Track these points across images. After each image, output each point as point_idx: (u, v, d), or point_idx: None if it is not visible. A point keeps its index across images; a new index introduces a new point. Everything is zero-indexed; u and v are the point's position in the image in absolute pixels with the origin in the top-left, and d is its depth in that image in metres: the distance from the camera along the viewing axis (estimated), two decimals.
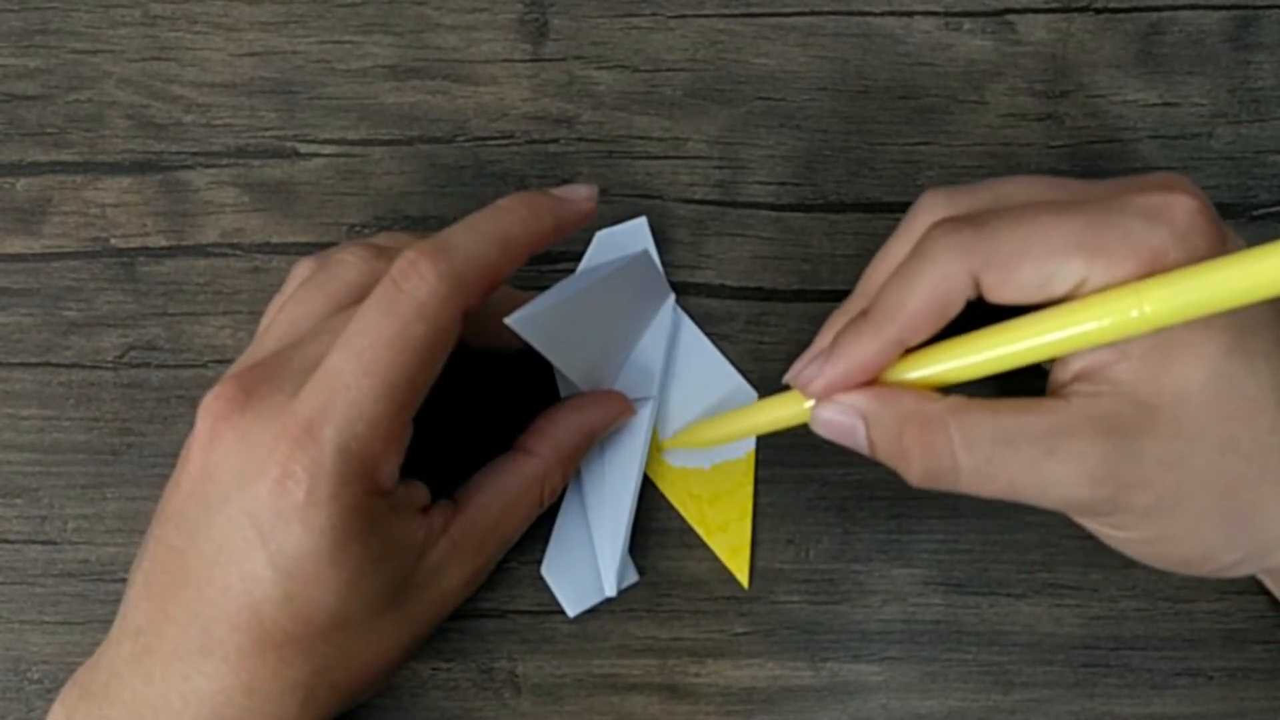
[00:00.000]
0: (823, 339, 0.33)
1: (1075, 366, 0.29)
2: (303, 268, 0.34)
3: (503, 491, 0.34)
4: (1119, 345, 0.28)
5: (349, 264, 0.32)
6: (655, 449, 0.38)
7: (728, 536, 0.38)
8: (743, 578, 0.38)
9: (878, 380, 0.31)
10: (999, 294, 0.29)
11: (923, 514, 0.38)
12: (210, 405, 0.30)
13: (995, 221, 0.29)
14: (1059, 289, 0.28)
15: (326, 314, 0.32)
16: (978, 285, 0.29)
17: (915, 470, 0.30)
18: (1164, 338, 0.28)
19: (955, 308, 0.30)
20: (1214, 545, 0.30)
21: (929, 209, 0.32)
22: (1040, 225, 0.29)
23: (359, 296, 0.32)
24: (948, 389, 0.31)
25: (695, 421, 0.38)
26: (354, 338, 0.30)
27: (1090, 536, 0.37)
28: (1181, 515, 0.29)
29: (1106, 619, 0.38)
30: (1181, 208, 0.28)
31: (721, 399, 0.38)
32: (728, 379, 0.38)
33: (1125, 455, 0.29)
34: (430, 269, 0.30)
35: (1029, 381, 0.32)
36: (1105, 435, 0.28)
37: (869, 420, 0.31)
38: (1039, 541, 0.38)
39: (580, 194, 0.34)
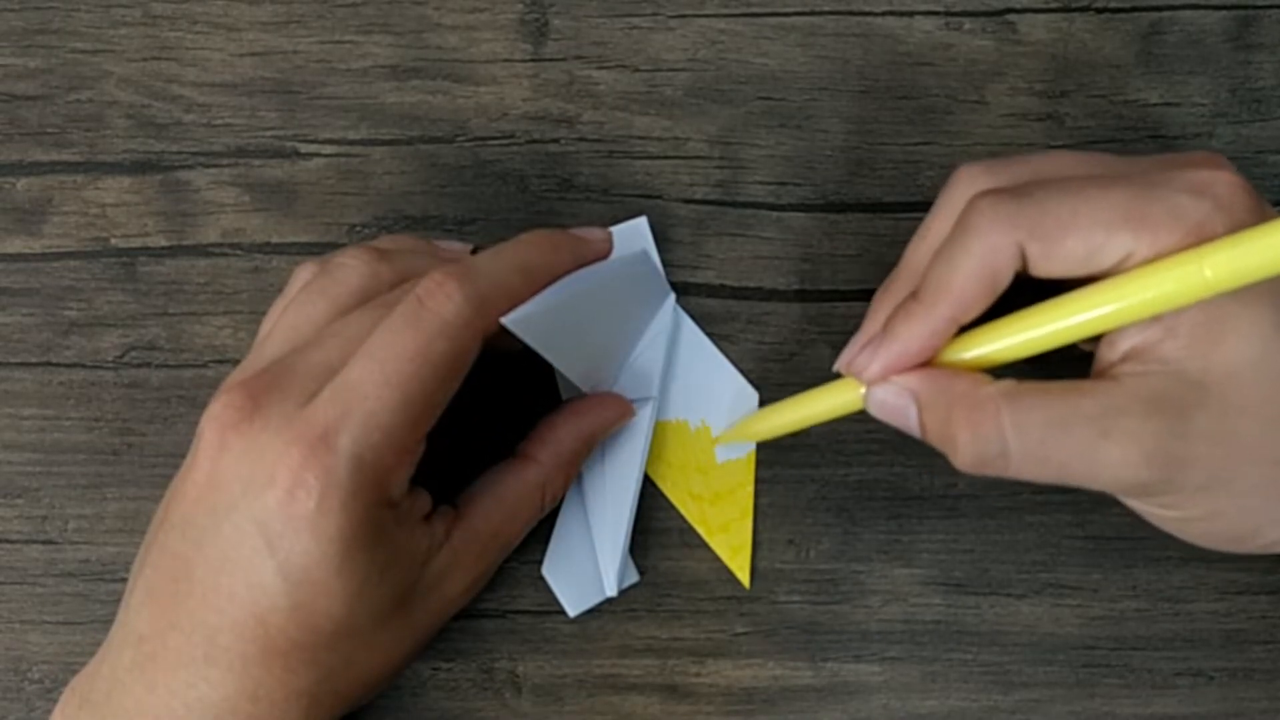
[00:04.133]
0: (873, 322, 0.33)
1: (1123, 347, 0.29)
2: (304, 271, 0.34)
3: (504, 498, 0.34)
4: (1167, 323, 0.28)
5: (351, 268, 0.33)
6: (658, 452, 0.38)
7: (728, 536, 0.38)
8: (744, 578, 0.38)
9: (933, 361, 0.30)
10: (1044, 266, 0.29)
11: (923, 514, 0.38)
12: (217, 414, 0.30)
13: (1040, 192, 0.29)
14: (1104, 262, 0.28)
15: (329, 319, 0.32)
16: (1024, 257, 0.29)
17: (963, 455, 0.30)
18: (1211, 314, 0.28)
19: (1004, 281, 0.29)
20: (1263, 519, 0.30)
21: (967, 182, 0.32)
22: (1086, 197, 0.28)
23: (361, 300, 0.32)
24: (1001, 369, 0.30)
25: (746, 416, 0.37)
26: (376, 349, 0.30)
27: (1091, 536, 0.37)
28: (1231, 491, 0.29)
29: (1106, 619, 0.38)
30: (1223, 184, 0.28)
31: (722, 399, 0.38)
32: (728, 379, 0.38)
33: (1177, 434, 0.28)
34: (456, 290, 0.30)
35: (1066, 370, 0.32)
36: (1158, 414, 0.28)
37: (921, 402, 0.30)
38: (1039, 541, 0.38)
39: (597, 235, 0.36)
